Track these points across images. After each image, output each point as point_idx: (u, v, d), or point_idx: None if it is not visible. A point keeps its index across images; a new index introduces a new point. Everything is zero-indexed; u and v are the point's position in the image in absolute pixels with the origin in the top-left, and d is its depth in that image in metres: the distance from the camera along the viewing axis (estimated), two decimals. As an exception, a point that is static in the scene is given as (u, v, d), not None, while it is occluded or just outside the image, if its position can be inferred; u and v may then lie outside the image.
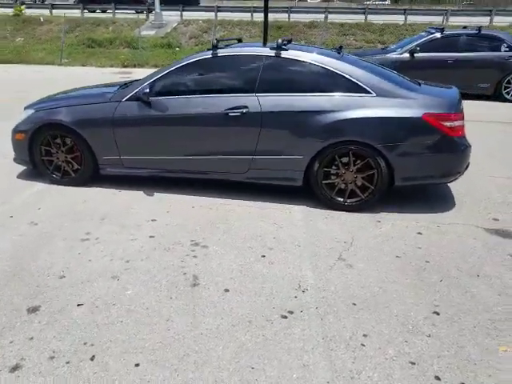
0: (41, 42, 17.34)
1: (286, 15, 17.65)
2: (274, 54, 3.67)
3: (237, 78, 3.85)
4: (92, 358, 1.98)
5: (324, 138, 3.51)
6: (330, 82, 3.60)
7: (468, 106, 8.37)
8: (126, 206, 3.69)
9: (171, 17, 18.73)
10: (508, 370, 1.99)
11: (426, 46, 8.96)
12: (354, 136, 3.48)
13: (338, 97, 3.54)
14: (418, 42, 9.15)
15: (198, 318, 2.28)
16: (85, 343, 2.07)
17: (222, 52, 3.78)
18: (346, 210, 3.66)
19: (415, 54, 8.99)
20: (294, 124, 3.56)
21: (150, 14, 18.83)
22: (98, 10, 22.11)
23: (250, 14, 17.70)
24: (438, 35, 9.05)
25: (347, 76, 3.55)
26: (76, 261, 2.81)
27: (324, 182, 3.65)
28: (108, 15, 19.54)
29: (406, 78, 4.13)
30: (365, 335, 2.19)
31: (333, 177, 3.64)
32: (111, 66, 13.54)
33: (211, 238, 3.18)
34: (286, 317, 2.32)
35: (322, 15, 17.31)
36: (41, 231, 3.21)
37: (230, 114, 3.60)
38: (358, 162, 3.54)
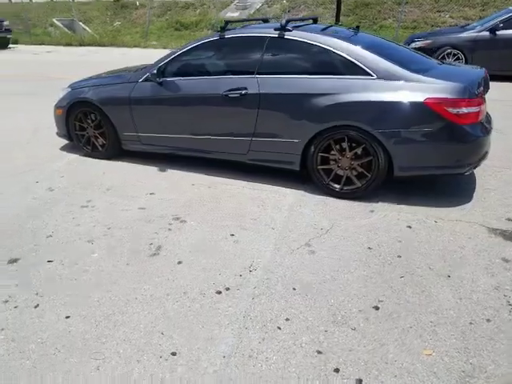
0: (135, 26, 18.72)
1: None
2: (277, 35, 3.63)
3: (241, 60, 3.88)
4: (36, 306, 2.28)
5: (319, 122, 3.42)
6: (330, 63, 3.47)
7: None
8: (136, 180, 3.99)
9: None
10: (418, 373, 1.86)
11: (512, 23, 7.92)
12: (348, 120, 3.33)
13: (335, 79, 3.40)
14: (502, 18, 8.14)
15: (140, 284, 2.46)
16: (37, 293, 2.38)
17: (228, 34, 3.83)
18: (343, 198, 3.54)
19: (497, 32, 8.02)
20: (290, 106, 3.51)
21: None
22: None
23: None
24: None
25: (348, 57, 3.38)
26: (67, 224, 3.17)
27: (320, 167, 3.56)
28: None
29: (426, 58, 3.80)
30: (287, 319, 2.19)
31: (330, 162, 3.54)
32: (190, 48, 14.16)
33: (194, 214, 3.33)
34: (220, 292, 2.40)
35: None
36: (53, 196, 3.64)
37: (230, 96, 3.67)
38: (355, 147, 3.40)
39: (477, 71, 3.58)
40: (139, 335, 2.08)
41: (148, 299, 2.34)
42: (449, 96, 3.13)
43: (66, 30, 18.13)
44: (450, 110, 3.11)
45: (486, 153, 3.42)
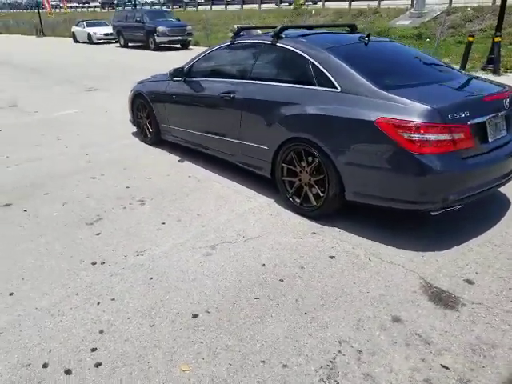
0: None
1: None
2: (270, 42, 3.64)
3: (240, 65, 3.98)
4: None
5: (283, 132, 3.32)
6: (305, 72, 3.30)
7: None
8: (148, 165, 4.53)
9: (437, 5, 17.38)
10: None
11: None
12: (305, 133, 3.15)
13: (302, 89, 3.24)
14: None
15: (52, 240, 2.98)
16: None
17: (237, 40, 4.00)
18: (302, 214, 3.36)
19: None
20: (264, 113, 3.49)
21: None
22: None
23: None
24: None
25: (321, 67, 3.18)
26: (69, 188, 3.91)
27: (285, 178, 3.45)
28: (374, 4, 19.71)
29: (443, 71, 3.29)
30: (113, 299, 2.37)
31: (296, 175, 3.37)
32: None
33: (158, 200, 3.66)
34: (95, 263, 2.72)
35: None
36: (85, 167, 4.48)
37: (225, 98, 3.85)
38: (311, 163, 3.19)
39: (485, 89, 2.88)
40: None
41: (41, 252, 2.85)
42: (405, 118, 2.65)
43: (242, 34, 20.19)
44: (403, 133, 2.64)
45: (473, 189, 2.77)
